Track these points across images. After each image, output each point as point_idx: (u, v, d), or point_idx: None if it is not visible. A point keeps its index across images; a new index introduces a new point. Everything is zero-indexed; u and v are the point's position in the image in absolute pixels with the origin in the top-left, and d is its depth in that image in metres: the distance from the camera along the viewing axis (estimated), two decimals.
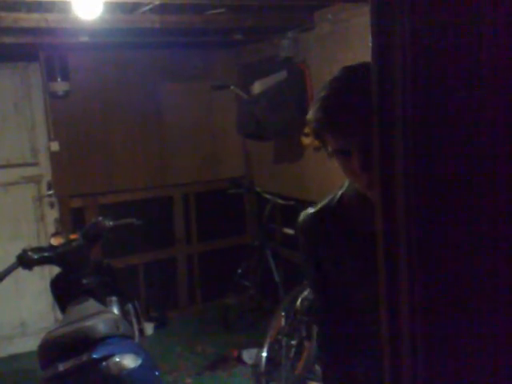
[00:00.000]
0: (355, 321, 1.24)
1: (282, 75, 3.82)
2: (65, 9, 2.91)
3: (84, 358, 2.20)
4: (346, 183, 1.26)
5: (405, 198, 0.66)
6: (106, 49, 4.17)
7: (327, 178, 3.77)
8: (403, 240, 0.67)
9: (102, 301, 2.68)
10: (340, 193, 1.26)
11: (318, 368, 3.19)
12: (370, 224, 1.17)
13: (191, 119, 4.63)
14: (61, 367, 2.19)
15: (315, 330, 3.03)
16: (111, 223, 2.79)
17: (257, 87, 3.90)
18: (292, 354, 3.27)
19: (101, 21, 3.01)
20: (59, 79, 4.03)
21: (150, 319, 4.32)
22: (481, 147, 0.61)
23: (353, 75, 1.13)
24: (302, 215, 1.31)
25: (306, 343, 3.21)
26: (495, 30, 0.57)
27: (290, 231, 3.81)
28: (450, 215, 0.65)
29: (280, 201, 4.04)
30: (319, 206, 1.29)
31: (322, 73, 3.65)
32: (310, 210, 1.30)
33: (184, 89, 4.56)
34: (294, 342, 3.30)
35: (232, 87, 4.07)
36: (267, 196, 4.13)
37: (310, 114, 1.14)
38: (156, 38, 3.89)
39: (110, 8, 3.02)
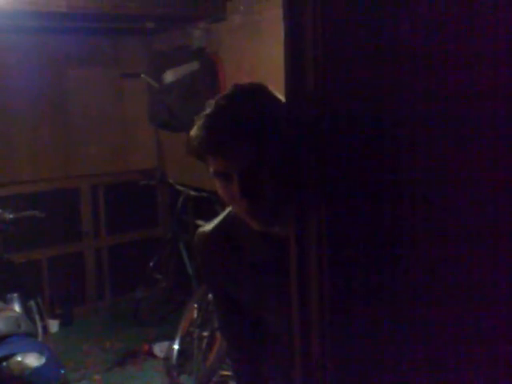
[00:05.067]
0: (260, 331, 1.25)
1: (194, 65, 3.78)
2: None
3: None
4: None
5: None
6: (7, 32, 3.91)
7: None
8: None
9: (2, 298, 2.56)
10: (232, 213, 1.19)
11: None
12: (256, 252, 1.16)
13: (100, 108, 4.47)
14: None
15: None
16: (11, 216, 2.68)
17: (168, 76, 3.83)
18: (204, 346, 3.27)
19: (1, 2, 2.82)
20: None
21: (54, 316, 4.15)
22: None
23: (242, 95, 1.05)
24: (197, 235, 1.26)
25: (218, 334, 3.22)
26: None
27: (203, 223, 3.80)
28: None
29: (193, 192, 4.00)
30: (213, 225, 1.24)
31: (234, 65, 3.66)
32: (206, 229, 1.24)
33: (92, 76, 4.39)
34: (205, 334, 3.30)
35: (143, 75, 3.97)
36: (180, 188, 4.08)
37: (193, 131, 1.05)
38: (62, 23, 3.70)
39: None
